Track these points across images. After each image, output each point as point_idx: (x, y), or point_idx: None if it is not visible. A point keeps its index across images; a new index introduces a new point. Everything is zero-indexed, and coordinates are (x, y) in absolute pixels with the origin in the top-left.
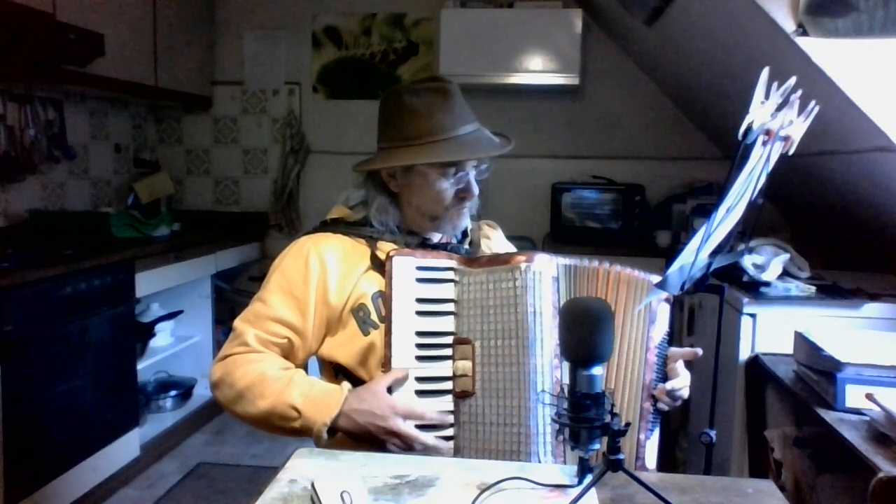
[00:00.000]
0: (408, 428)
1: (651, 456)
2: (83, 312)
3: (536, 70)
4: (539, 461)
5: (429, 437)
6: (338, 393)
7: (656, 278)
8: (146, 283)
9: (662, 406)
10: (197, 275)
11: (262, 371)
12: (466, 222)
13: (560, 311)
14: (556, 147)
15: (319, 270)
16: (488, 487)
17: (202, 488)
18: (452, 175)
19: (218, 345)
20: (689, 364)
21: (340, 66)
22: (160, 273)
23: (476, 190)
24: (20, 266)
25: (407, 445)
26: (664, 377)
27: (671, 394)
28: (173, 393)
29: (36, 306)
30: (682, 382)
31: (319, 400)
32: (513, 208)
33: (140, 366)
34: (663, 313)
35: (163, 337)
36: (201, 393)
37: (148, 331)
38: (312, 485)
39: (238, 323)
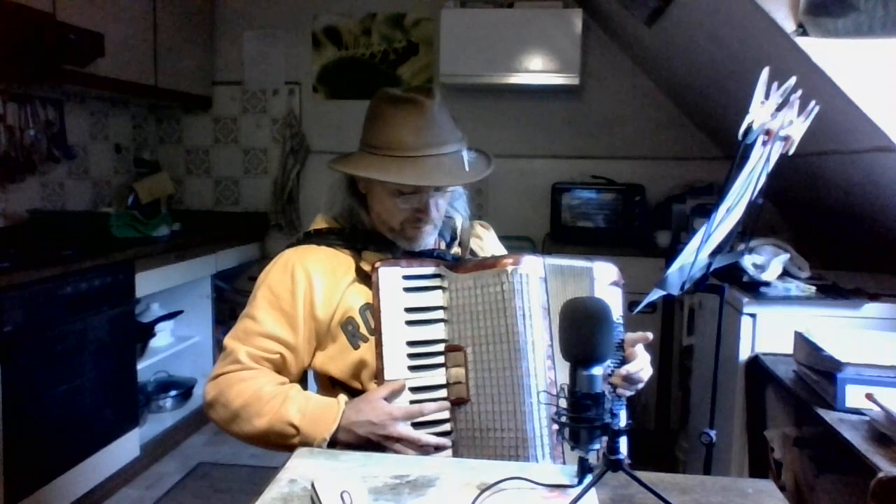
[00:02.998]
0: (409, 430)
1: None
2: (83, 312)
3: (536, 70)
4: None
5: (431, 437)
6: (335, 407)
7: (600, 264)
8: (146, 283)
9: (623, 392)
10: (197, 275)
11: (257, 389)
12: (426, 242)
13: (560, 312)
14: (556, 147)
15: (306, 284)
16: (488, 487)
17: (202, 488)
18: (408, 193)
19: (218, 344)
20: (647, 348)
21: (340, 66)
22: (160, 273)
23: (434, 213)
24: (20, 266)
25: (410, 449)
26: (622, 362)
27: (628, 378)
28: (173, 393)
29: (36, 306)
30: (638, 365)
31: (317, 415)
32: (513, 208)
33: (140, 366)
34: (611, 298)
35: (163, 337)
36: (201, 393)
37: (148, 331)
38: (312, 485)
39: (228, 341)
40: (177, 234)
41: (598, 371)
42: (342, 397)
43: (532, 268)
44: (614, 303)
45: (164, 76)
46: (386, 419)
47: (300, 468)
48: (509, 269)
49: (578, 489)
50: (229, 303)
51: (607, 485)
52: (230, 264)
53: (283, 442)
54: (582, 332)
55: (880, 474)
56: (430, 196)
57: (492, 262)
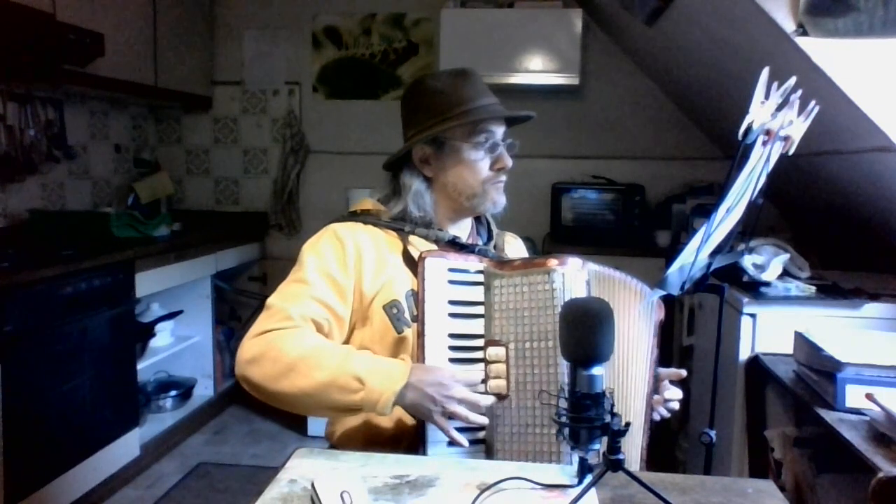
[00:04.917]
0: (469, 393)
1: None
2: (83, 312)
3: (536, 70)
4: None
5: (487, 398)
6: (403, 364)
7: (661, 303)
8: (146, 283)
9: (655, 416)
10: (197, 275)
11: (318, 342)
12: (503, 200)
13: (560, 312)
14: (556, 147)
15: (356, 255)
16: (488, 487)
17: (202, 488)
18: (483, 145)
19: (218, 345)
20: (675, 383)
21: (340, 66)
22: (160, 273)
23: (510, 161)
24: (20, 266)
25: (464, 415)
26: (656, 392)
27: (665, 404)
28: (173, 393)
29: (36, 306)
30: (676, 395)
31: (384, 371)
32: (513, 208)
33: (140, 366)
34: (656, 333)
35: (163, 337)
36: (201, 393)
37: (148, 331)
38: (312, 485)
39: (275, 300)
40: (177, 234)
41: (598, 371)
42: (407, 356)
43: (577, 270)
44: (657, 339)
45: (164, 76)
46: (450, 381)
47: (300, 468)
48: (558, 269)
49: (578, 489)
50: (229, 303)
51: (607, 485)
52: (230, 264)
53: (342, 398)
54: (582, 331)
55: (880, 474)
56: (504, 148)
57: (539, 262)
